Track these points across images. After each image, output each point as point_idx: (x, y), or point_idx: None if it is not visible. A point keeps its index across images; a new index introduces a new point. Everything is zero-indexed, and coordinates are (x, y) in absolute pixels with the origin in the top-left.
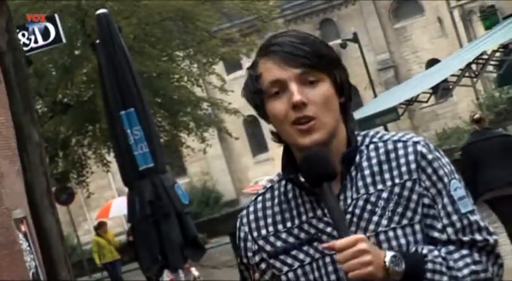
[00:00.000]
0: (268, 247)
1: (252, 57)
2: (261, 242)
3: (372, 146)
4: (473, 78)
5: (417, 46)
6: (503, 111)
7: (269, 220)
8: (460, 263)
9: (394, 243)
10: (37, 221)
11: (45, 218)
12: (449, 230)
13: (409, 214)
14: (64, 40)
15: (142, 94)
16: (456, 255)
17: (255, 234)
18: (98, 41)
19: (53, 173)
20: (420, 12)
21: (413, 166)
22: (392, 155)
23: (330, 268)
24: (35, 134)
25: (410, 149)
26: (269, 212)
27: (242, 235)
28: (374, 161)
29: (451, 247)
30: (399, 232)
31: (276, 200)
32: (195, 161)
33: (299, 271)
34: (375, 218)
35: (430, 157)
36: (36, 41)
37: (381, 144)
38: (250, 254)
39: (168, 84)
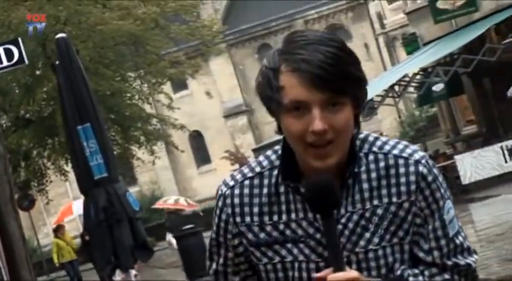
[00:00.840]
0: (250, 236)
1: (196, 78)
2: (243, 229)
3: (371, 157)
4: (395, 98)
5: None
6: (423, 128)
7: (255, 209)
8: None
9: (381, 262)
10: (1, 226)
11: (8, 223)
12: (436, 253)
13: (400, 233)
14: (26, 61)
15: (98, 111)
16: (438, 279)
17: (238, 219)
18: (57, 62)
19: (16, 181)
20: (349, 38)
21: (413, 187)
22: (393, 171)
23: (314, 274)
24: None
25: (411, 169)
26: (256, 200)
27: (224, 216)
28: (373, 175)
29: (434, 270)
30: (388, 250)
31: (265, 190)
32: (144, 171)
33: (278, 266)
34: (367, 235)
35: (429, 178)
36: (0, 62)
37: (381, 156)
38: (229, 236)
39: (121, 101)
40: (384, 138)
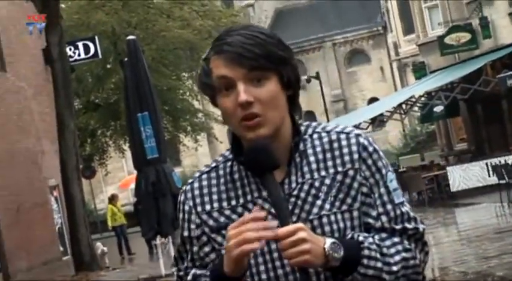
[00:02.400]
0: (211, 222)
1: None
2: (204, 217)
3: (315, 136)
4: (402, 114)
5: (362, 86)
6: (422, 142)
7: (214, 197)
8: (392, 250)
9: (334, 226)
10: (66, 189)
11: (72, 188)
12: (384, 218)
13: (349, 200)
14: (100, 56)
15: (155, 102)
16: (388, 242)
17: (199, 209)
18: (126, 59)
19: (82, 154)
20: (368, 61)
21: (355, 156)
22: (336, 145)
23: (275, 254)
24: (71, 124)
25: (353, 140)
26: (214, 189)
27: (187, 208)
28: (318, 149)
29: (384, 234)
30: (339, 216)
31: (222, 180)
32: (188, 156)
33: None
34: (319, 202)
35: (370, 149)
36: (79, 55)
37: (324, 134)
38: (193, 226)
39: (175, 96)
40: (326, 123)
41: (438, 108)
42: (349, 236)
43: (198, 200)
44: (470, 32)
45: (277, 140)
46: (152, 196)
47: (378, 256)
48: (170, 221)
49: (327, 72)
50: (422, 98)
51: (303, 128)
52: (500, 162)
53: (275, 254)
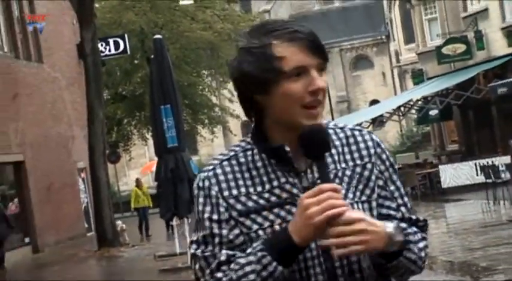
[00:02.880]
0: (239, 206)
1: None
2: (231, 201)
3: (331, 131)
4: (400, 116)
5: (365, 89)
6: (417, 142)
7: (240, 182)
8: (416, 238)
9: None
10: (93, 172)
11: (98, 171)
12: (403, 209)
13: (367, 191)
14: (129, 52)
15: (177, 96)
16: (411, 230)
17: (226, 193)
18: (152, 56)
19: (108, 141)
20: (371, 66)
21: (372, 151)
22: (352, 140)
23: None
24: (100, 113)
25: (367, 137)
26: (239, 175)
27: (213, 193)
28: (337, 143)
29: (404, 224)
30: (360, 206)
31: (244, 167)
32: (204, 146)
33: (268, 230)
34: (343, 191)
35: (383, 146)
36: (109, 50)
37: (338, 130)
38: (222, 210)
39: (195, 92)
40: (332, 121)
41: (433, 112)
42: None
43: (224, 185)
44: (465, 44)
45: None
46: (171, 181)
47: (414, 242)
48: (186, 204)
49: (334, 75)
50: (419, 102)
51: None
52: (487, 163)
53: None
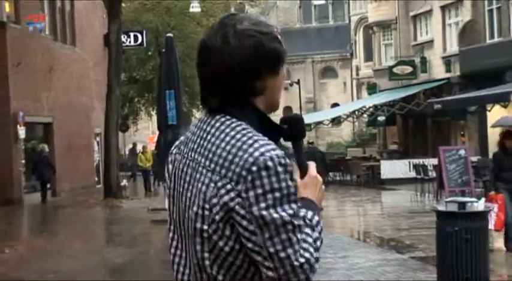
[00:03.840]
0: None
1: None
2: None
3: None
4: (354, 118)
5: (329, 94)
6: (366, 140)
7: None
8: None
9: None
10: (106, 137)
11: (111, 136)
12: None
13: None
14: (145, 45)
15: (180, 84)
16: None
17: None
18: (163, 50)
19: (121, 114)
20: (335, 77)
21: None
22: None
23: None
24: (117, 91)
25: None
26: None
27: (290, 170)
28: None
29: None
30: None
31: None
32: None
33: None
34: None
35: None
36: (129, 42)
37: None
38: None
39: (194, 82)
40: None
41: (381, 118)
42: None
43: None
44: (412, 66)
45: None
46: (167, 150)
47: None
48: None
49: (305, 80)
50: (371, 109)
51: None
52: (419, 162)
53: None
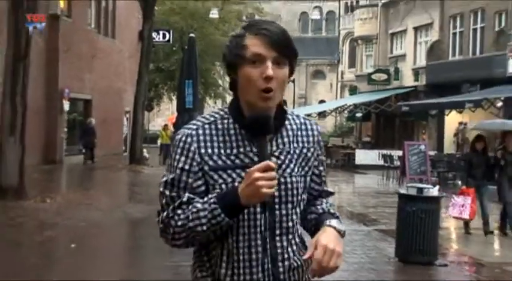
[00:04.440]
0: (210, 162)
1: None
2: (205, 158)
3: (290, 117)
4: (336, 113)
5: (318, 92)
6: (345, 132)
7: (215, 144)
8: (334, 210)
9: (298, 185)
10: (134, 114)
11: (138, 114)
12: (324, 184)
13: (306, 168)
14: (171, 42)
15: (197, 76)
16: (330, 204)
17: (203, 151)
18: (186, 47)
19: (148, 96)
20: (324, 78)
21: (316, 138)
22: (303, 127)
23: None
24: (145, 77)
25: (314, 127)
26: (215, 138)
27: (192, 148)
28: (294, 127)
29: (324, 200)
30: (300, 179)
31: (220, 132)
32: (209, 111)
33: (230, 185)
34: (291, 165)
35: (321, 137)
36: (159, 38)
37: (295, 117)
38: (194, 163)
39: (208, 75)
40: (292, 110)
41: (358, 114)
42: (320, 210)
43: (202, 144)
44: (387, 74)
45: (272, 113)
46: None
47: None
48: None
49: (299, 79)
50: (351, 107)
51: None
52: (386, 153)
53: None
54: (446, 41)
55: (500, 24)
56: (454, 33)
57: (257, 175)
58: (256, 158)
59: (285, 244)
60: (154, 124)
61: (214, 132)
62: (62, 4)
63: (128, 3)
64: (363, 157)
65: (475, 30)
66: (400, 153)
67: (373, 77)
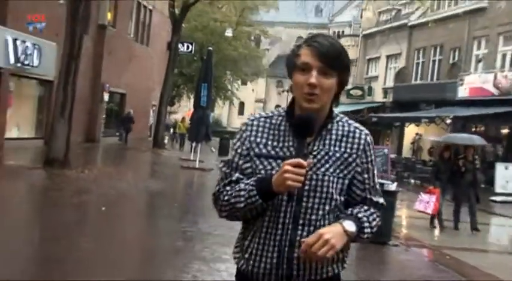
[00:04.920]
0: (256, 150)
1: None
2: (253, 145)
3: (340, 123)
4: None
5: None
6: None
7: (265, 135)
8: (372, 218)
9: (332, 184)
10: (159, 107)
11: (162, 108)
12: (368, 192)
13: (345, 171)
14: (193, 52)
15: (211, 80)
16: (369, 212)
17: (252, 138)
18: (204, 57)
19: (170, 94)
20: None
21: (361, 147)
22: (351, 134)
23: None
24: (170, 80)
25: (363, 136)
26: (266, 130)
27: (245, 135)
28: (339, 132)
29: (365, 207)
30: (336, 179)
31: (272, 126)
32: (217, 109)
33: (268, 172)
34: (327, 165)
35: (371, 146)
36: (183, 49)
37: (346, 124)
38: (244, 148)
39: (220, 81)
40: (347, 117)
41: None
42: (349, 212)
43: (253, 133)
44: (362, 91)
45: (318, 115)
46: (198, 122)
47: (368, 224)
48: (202, 136)
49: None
50: None
51: (335, 115)
52: None
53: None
54: (410, 68)
55: (454, 58)
56: (418, 63)
57: (287, 167)
58: (295, 153)
59: (305, 234)
60: (175, 117)
61: (267, 125)
62: (109, 16)
63: (161, 19)
64: None
65: (434, 61)
66: None
67: (351, 92)
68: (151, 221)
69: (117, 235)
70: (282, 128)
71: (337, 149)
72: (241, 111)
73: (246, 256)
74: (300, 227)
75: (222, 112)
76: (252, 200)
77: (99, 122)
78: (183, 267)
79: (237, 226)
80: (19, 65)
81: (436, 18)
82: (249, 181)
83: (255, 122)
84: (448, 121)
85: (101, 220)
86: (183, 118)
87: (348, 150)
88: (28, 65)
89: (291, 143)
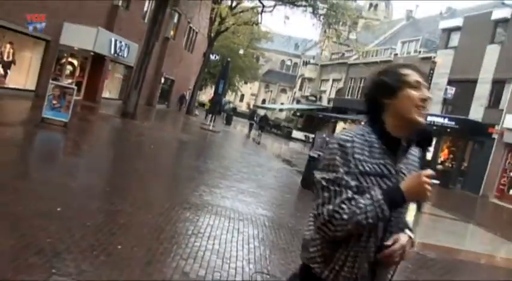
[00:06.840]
0: (360, 167)
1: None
2: (357, 162)
3: None
4: (288, 111)
5: (281, 100)
6: (290, 120)
7: (365, 152)
8: None
9: None
10: (193, 91)
11: (195, 90)
12: None
13: None
14: (218, 60)
15: (226, 78)
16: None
17: (356, 156)
18: (224, 64)
19: (200, 83)
20: (286, 93)
21: (417, 165)
22: (417, 154)
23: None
24: (202, 75)
25: (418, 155)
26: (365, 148)
27: (349, 151)
28: (413, 152)
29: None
30: None
31: (368, 143)
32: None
33: (366, 189)
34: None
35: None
36: (212, 58)
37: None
38: (351, 165)
39: (232, 80)
40: None
41: (298, 114)
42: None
43: (356, 150)
44: (315, 98)
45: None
46: (216, 104)
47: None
48: (216, 111)
49: (273, 93)
50: (295, 109)
51: None
52: (307, 134)
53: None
54: (346, 88)
55: None
56: (350, 86)
57: (426, 179)
58: (392, 169)
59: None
60: (200, 98)
61: (365, 142)
62: (171, 32)
63: (202, 38)
64: (296, 134)
65: (360, 86)
66: (313, 136)
67: (309, 97)
68: (178, 159)
69: (158, 163)
70: (376, 145)
71: (412, 167)
72: (241, 99)
73: (337, 267)
74: (388, 234)
75: (230, 98)
76: (384, 214)
77: (156, 94)
78: (194, 187)
79: (233, 167)
80: (116, 55)
81: (364, 61)
82: (369, 196)
83: (355, 139)
84: (363, 122)
85: (149, 153)
86: (210, 99)
87: (416, 169)
88: (120, 55)
89: (387, 160)
